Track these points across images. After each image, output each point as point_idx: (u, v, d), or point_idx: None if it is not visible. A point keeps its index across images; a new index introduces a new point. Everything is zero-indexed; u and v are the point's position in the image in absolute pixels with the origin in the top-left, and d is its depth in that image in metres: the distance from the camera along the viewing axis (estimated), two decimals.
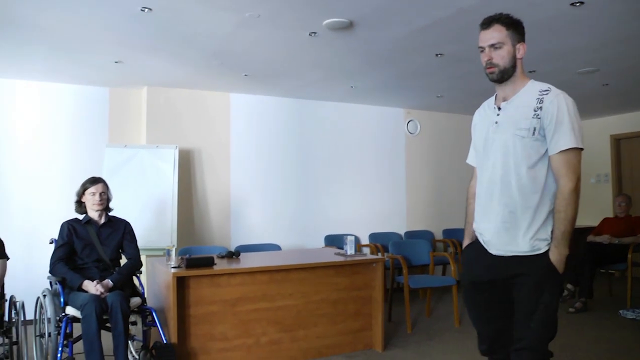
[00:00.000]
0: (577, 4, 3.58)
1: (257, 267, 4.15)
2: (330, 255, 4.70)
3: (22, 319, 3.87)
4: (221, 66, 5.18)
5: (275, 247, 5.88)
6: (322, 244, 6.72)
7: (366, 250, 6.88)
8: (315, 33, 4.18)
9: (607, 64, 5.15)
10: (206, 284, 3.90)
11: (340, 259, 4.47)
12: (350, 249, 4.63)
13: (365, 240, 7.06)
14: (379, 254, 6.44)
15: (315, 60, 5.04)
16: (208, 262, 4.01)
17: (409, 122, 7.64)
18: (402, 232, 7.38)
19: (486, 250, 2.36)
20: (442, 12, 3.75)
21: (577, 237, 7.59)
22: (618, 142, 8.26)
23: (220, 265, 4.10)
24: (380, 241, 6.84)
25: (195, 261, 3.97)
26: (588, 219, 8.25)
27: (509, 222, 2.25)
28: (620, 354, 4.33)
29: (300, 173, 6.84)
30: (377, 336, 4.48)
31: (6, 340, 3.78)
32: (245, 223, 6.42)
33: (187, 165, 6.13)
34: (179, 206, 5.68)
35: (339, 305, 4.40)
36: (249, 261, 4.44)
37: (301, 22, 3.96)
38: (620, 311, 5.69)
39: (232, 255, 4.54)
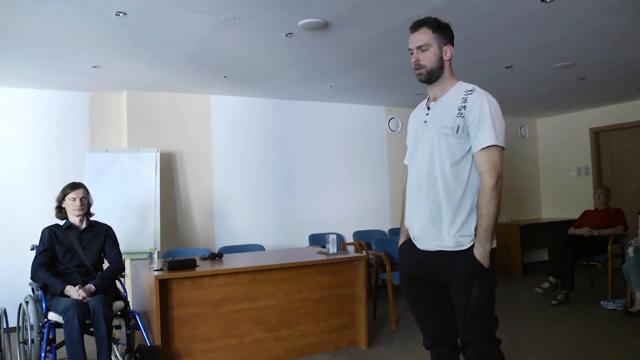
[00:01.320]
0: (548, 0, 3.64)
1: (239, 268, 4.17)
2: (313, 255, 4.72)
3: (5, 326, 3.86)
4: (200, 69, 5.19)
5: (259, 248, 5.89)
6: (307, 243, 6.75)
7: (350, 248, 6.92)
8: (291, 34, 4.21)
9: (582, 58, 5.22)
10: (189, 285, 3.92)
11: (323, 257, 4.49)
12: (332, 248, 4.66)
13: (349, 239, 7.10)
14: (363, 251, 6.48)
15: (293, 61, 5.07)
16: (190, 264, 4.03)
17: (390, 119, 7.70)
18: (386, 229, 7.42)
19: (415, 245, 2.43)
20: (416, 11, 3.77)
21: (559, 230, 7.74)
22: (597, 135, 8.37)
23: (203, 267, 4.11)
24: (364, 239, 6.88)
25: (177, 263, 3.99)
26: (569, 211, 8.38)
27: (436, 217, 2.32)
28: (601, 344, 4.40)
29: (283, 173, 6.86)
30: (361, 333, 4.51)
31: None
32: (229, 224, 6.44)
33: (169, 168, 6.13)
34: (161, 209, 5.67)
35: (322, 303, 4.42)
36: (231, 262, 4.46)
37: (277, 23, 3.99)
38: (602, 302, 5.76)
39: (215, 256, 4.55)
